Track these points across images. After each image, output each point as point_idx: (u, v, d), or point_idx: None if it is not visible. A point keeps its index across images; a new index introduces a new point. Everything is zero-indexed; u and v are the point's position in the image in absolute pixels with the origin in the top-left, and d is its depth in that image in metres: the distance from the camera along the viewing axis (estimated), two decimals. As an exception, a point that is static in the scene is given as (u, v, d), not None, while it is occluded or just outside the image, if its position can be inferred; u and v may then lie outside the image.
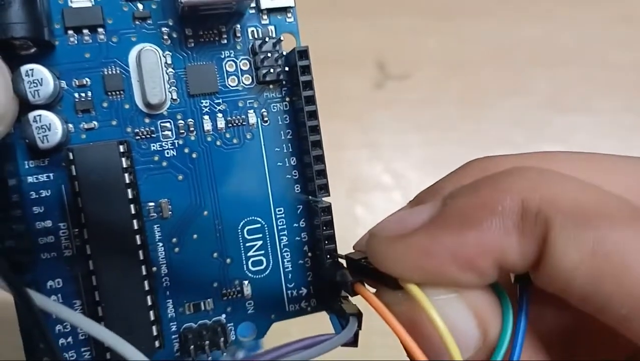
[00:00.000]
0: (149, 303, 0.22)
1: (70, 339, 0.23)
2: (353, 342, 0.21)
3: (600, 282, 0.17)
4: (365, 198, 0.42)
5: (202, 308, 0.24)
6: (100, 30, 0.23)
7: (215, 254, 0.24)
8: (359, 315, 0.21)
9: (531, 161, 0.20)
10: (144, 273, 0.22)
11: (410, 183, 0.44)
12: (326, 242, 0.24)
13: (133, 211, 0.22)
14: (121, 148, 0.22)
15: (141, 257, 0.22)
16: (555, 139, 0.49)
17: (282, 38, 0.24)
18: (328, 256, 0.23)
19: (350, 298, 0.23)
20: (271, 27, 0.24)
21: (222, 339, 0.24)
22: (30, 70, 0.21)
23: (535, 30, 0.51)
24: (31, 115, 0.21)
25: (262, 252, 0.25)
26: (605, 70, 0.51)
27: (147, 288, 0.22)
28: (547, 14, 0.51)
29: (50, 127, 0.21)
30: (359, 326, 0.21)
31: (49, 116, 0.21)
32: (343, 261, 0.23)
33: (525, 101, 0.49)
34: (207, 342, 0.23)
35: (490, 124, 0.48)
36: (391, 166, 0.43)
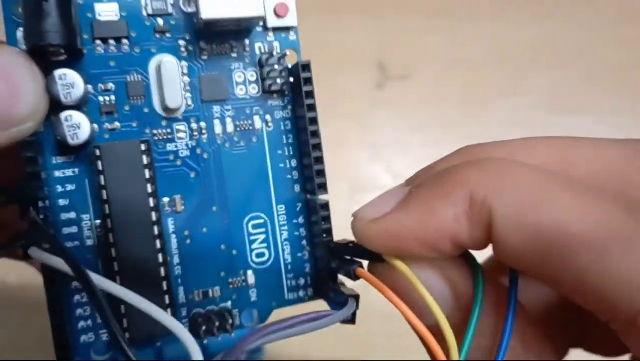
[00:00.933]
0: (164, 288, 0.25)
1: (89, 321, 0.25)
2: (351, 320, 0.24)
3: (544, 263, 0.20)
4: (365, 198, 0.43)
5: (210, 295, 0.26)
6: (124, 41, 0.25)
7: (222, 246, 0.27)
8: (356, 297, 0.24)
9: (514, 147, 0.23)
10: (160, 260, 0.24)
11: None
12: (324, 235, 0.26)
13: (152, 204, 0.24)
14: (142, 147, 0.24)
15: (158, 245, 0.24)
16: None
17: (287, 53, 0.27)
18: (327, 246, 0.26)
19: (346, 285, 0.26)
20: (276, 43, 0.27)
21: (229, 323, 0.26)
22: (63, 74, 0.23)
23: (535, 30, 0.51)
24: (63, 115, 0.24)
25: (265, 245, 0.27)
26: (605, 70, 0.51)
27: (162, 274, 0.24)
28: (547, 14, 0.51)
29: (79, 125, 0.24)
30: (357, 307, 0.24)
31: (78, 116, 0.24)
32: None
33: (525, 101, 0.49)
34: (216, 324, 0.25)
35: (490, 124, 0.48)
36: (391, 166, 0.44)
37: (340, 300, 0.24)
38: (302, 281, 0.28)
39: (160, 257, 0.24)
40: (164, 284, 0.24)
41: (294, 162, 0.27)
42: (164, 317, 0.20)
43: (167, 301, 0.24)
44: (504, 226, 0.20)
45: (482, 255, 0.23)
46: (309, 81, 0.26)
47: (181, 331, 0.20)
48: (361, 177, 0.44)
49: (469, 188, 0.21)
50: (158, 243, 0.24)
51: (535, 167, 0.22)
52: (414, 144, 0.46)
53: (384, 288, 0.22)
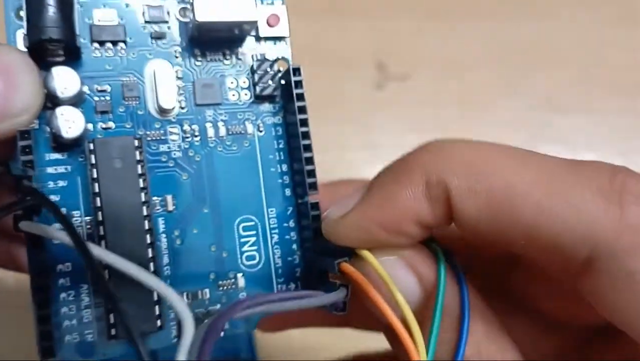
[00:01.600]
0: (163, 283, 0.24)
1: (74, 321, 0.24)
2: (342, 309, 0.23)
3: (499, 225, 0.21)
4: None
5: (200, 296, 0.26)
6: (121, 45, 0.26)
7: (212, 248, 0.26)
8: (347, 285, 0.24)
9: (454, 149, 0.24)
10: (150, 255, 0.24)
11: None
12: (315, 234, 0.26)
13: (143, 199, 0.24)
14: (136, 143, 0.25)
15: (148, 240, 0.24)
16: (555, 139, 0.49)
17: (279, 58, 0.28)
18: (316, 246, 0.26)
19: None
20: (268, 52, 0.28)
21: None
22: (61, 71, 0.24)
23: (535, 30, 0.51)
24: (58, 110, 0.24)
25: (255, 248, 0.27)
26: (605, 70, 0.51)
27: (152, 269, 0.24)
28: (547, 14, 0.52)
29: (74, 121, 0.24)
30: (347, 296, 0.23)
31: (74, 112, 0.24)
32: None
33: (525, 101, 0.49)
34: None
35: (490, 125, 0.48)
36: None
37: (332, 290, 0.24)
38: (292, 286, 0.27)
39: (150, 252, 0.24)
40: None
41: (284, 167, 0.28)
42: (157, 283, 0.20)
43: (155, 298, 0.24)
44: (460, 197, 0.22)
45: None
46: (299, 84, 0.27)
47: (173, 296, 0.19)
48: (361, 177, 0.43)
49: (423, 169, 0.22)
50: (148, 238, 0.24)
51: (479, 142, 0.24)
52: (414, 145, 0.46)
53: (366, 283, 0.22)
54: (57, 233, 0.19)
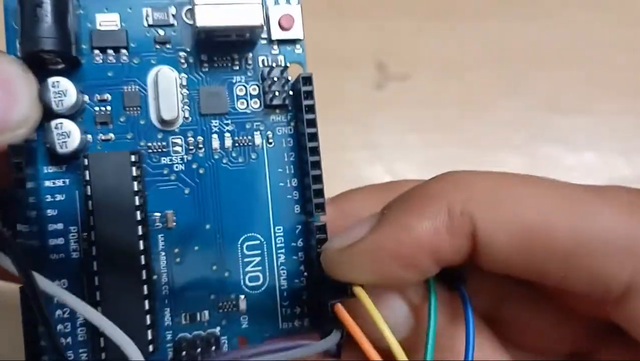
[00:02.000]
0: (147, 307, 0.23)
1: (69, 339, 0.24)
2: (336, 354, 0.21)
3: (533, 253, 0.20)
4: None
5: (198, 318, 0.25)
6: (123, 51, 0.25)
7: (214, 267, 0.25)
8: (342, 330, 0.22)
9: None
10: (144, 277, 0.23)
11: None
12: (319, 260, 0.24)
13: (139, 218, 0.23)
14: (133, 158, 0.23)
15: (142, 262, 0.23)
16: (555, 140, 0.48)
17: (288, 65, 0.25)
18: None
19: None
20: (281, 57, 0.26)
21: (213, 351, 0.24)
22: (56, 82, 0.23)
23: (535, 31, 0.50)
24: (53, 122, 0.23)
25: (260, 268, 0.26)
26: (605, 70, 0.51)
27: (145, 292, 0.23)
28: (547, 14, 0.51)
29: (70, 134, 0.23)
30: (342, 339, 0.21)
31: (69, 125, 0.23)
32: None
33: (525, 101, 0.49)
34: (198, 351, 0.24)
35: (491, 125, 0.47)
36: (391, 166, 0.43)
37: (329, 328, 0.22)
38: (297, 310, 0.26)
39: (144, 274, 0.23)
40: (146, 303, 0.23)
41: (294, 182, 0.26)
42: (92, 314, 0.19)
43: (148, 321, 0.23)
44: (489, 229, 0.20)
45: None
46: (309, 94, 0.24)
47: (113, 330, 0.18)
48: (361, 177, 0.43)
49: (445, 200, 0.21)
50: (143, 259, 0.23)
51: (498, 172, 0.23)
52: (414, 145, 0.45)
53: (358, 333, 0.20)
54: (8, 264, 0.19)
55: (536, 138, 0.47)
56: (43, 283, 0.19)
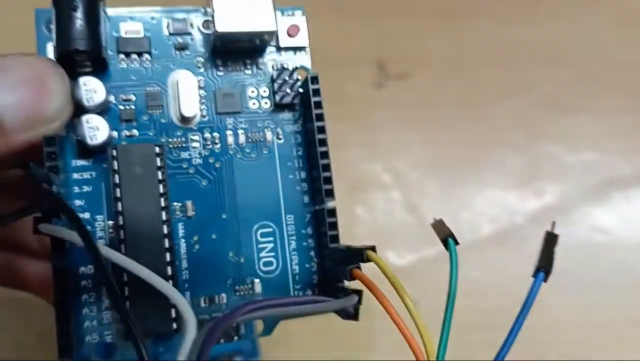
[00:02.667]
0: (166, 283, 0.25)
1: (95, 322, 0.25)
2: (353, 315, 0.23)
3: None
4: (365, 198, 0.41)
5: (216, 301, 0.26)
6: (146, 56, 0.27)
7: (230, 253, 0.27)
8: (359, 292, 0.23)
9: None
10: (168, 259, 0.25)
11: (410, 183, 0.43)
12: (331, 242, 0.26)
13: (163, 204, 0.25)
14: (157, 150, 0.25)
15: (166, 245, 0.25)
16: (555, 139, 0.48)
17: (297, 66, 0.28)
18: (330, 253, 0.26)
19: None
20: (288, 61, 0.29)
21: (234, 331, 0.26)
22: (87, 80, 0.25)
23: (535, 30, 0.51)
24: (84, 117, 0.25)
25: (273, 254, 0.27)
26: (605, 70, 0.51)
27: (170, 273, 0.25)
28: (547, 14, 0.52)
29: (99, 128, 0.25)
30: (359, 302, 0.23)
31: (98, 120, 0.25)
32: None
33: (525, 101, 0.49)
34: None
35: (490, 124, 0.48)
36: (391, 165, 0.43)
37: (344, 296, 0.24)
38: (309, 292, 0.28)
39: (167, 256, 0.25)
40: (170, 283, 0.25)
41: (303, 174, 0.28)
42: (164, 285, 0.20)
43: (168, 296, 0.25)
44: None
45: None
46: (317, 92, 0.27)
47: (183, 304, 0.20)
48: (361, 176, 0.43)
49: None
50: (167, 243, 0.25)
51: None
52: (414, 144, 0.45)
53: (377, 289, 0.22)
54: (71, 235, 0.20)
55: (536, 138, 0.48)
56: (108, 252, 0.20)
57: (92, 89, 0.25)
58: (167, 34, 0.28)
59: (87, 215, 0.26)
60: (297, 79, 0.28)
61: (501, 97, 0.49)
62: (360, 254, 0.23)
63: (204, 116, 0.27)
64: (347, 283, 0.25)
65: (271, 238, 0.27)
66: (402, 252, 0.44)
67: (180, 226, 0.27)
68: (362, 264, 0.24)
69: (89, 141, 0.25)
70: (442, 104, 0.48)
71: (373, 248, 0.22)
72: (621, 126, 0.50)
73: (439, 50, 0.49)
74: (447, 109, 0.48)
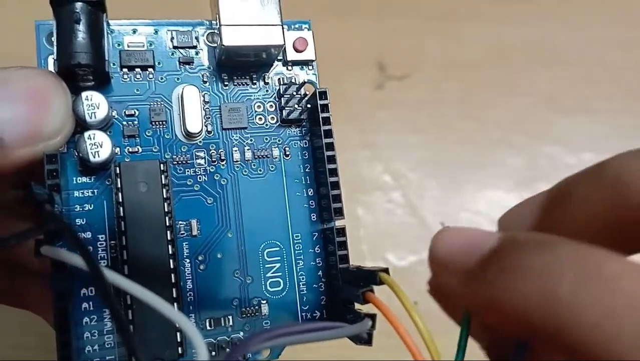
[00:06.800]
0: (175, 309, 0.24)
1: (96, 347, 0.24)
2: (367, 341, 0.22)
3: None
4: (365, 198, 0.40)
5: (222, 323, 0.26)
6: (150, 70, 0.26)
7: (236, 273, 0.26)
8: (372, 316, 0.23)
9: None
10: (173, 280, 0.24)
11: (410, 183, 0.43)
12: (340, 262, 0.26)
13: (167, 223, 0.24)
14: (162, 167, 0.25)
15: (171, 266, 0.24)
16: (555, 139, 0.49)
17: (305, 81, 0.28)
18: (341, 274, 0.25)
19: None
20: (295, 76, 0.28)
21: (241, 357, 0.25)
22: (90, 95, 0.24)
23: (535, 30, 0.51)
24: (86, 133, 0.24)
25: (280, 274, 0.27)
26: (605, 70, 0.51)
27: (174, 295, 0.24)
28: (547, 14, 0.52)
29: (102, 144, 0.24)
30: (373, 327, 0.22)
31: (101, 136, 0.24)
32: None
33: (525, 101, 0.49)
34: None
35: (490, 125, 0.48)
36: (391, 166, 0.43)
37: (356, 320, 0.23)
38: (317, 314, 0.27)
39: (172, 277, 0.24)
40: (175, 306, 0.24)
41: (310, 191, 0.27)
42: (173, 313, 0.19)
43: (177, 324, 0.24)
44: None
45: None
46: (325, 108, 0.26)
47: (189, 328, 0.19)
48: (361, 177, 0.43)
49: None
50: (172, 263, 0.24)
51: None
52: (414, 144, 0.45)
53: (390, 314, 0.21)
54: (74, 258, 0.19)
55: (536, 138, 0.48)
56: (113, 277, 0.19)
57: (94, 104, 0.24)
58: (172, 47, 0.27)
59: (88, 234, 0.25)
60: (305, 94, 0.27)
61: (501, 97, 0.49)
62: (373, 277, 0.22)
63: (209, 132, 0.27)
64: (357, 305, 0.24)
65: (278, 258, 0.27)
66: (403, 253, 0.44)
67: (184, 245, 0.26)
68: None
69: (92, 158, 0.24)
70: (442, 104, 0.48)
71: (386, 271, 0.22)
72: (621, 126, 0.51)
73: (439, 50, 0.49)
74: (447, 109, 0.48)
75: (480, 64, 0.50)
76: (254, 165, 0.27)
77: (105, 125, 0.25)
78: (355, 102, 0.47)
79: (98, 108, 0.24)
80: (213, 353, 0.25)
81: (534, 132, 0.48)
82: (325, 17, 0.40)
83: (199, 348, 0.18)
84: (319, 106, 0.26)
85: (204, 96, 0.27)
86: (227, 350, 0.20)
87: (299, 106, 0.27)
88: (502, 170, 0.46)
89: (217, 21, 0.25)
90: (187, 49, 0.27)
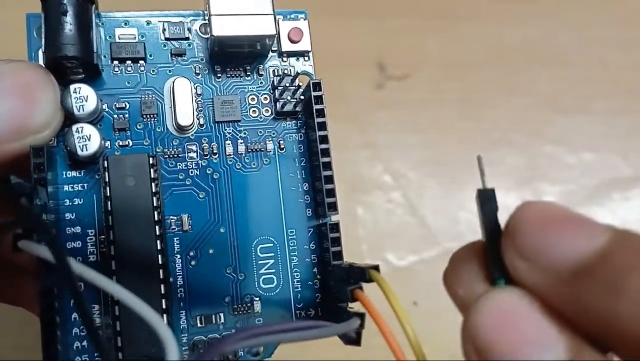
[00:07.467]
0: (164, 306, 0.23)
1: (85, 343, 0.24)
2: (355, 340, 0.21)
3: None
4: (365, 198, 0.39)
5: (213, 321, 0.25)
6: (141, 62, 0.26)
7: (229, 270, 0.25)
8: (361, 315, 0.22)
9: None
10: (161, 276, 0.23)
11: (410, 183, 0.42)
12: (334, 258, 0.25)
13: (156, 218, 0.24)
14: (151, 160, 0.24)
15: (160, 261, 0.23)
16: (555, 139, 0.48)
17: (299, 72, 0.27)
18: (333, 271, 0.25)
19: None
20: (290, 67, 0.27)
21: (232, 355, 0.24)
22: (78, 88, 0.24)
23: (535, 30, 0.51)
24: (74, 126, 0.24)
25: (274, 270, 0.26)
26: (605, 70, 0.51)
27: (162, 291, 0.23)
28: (547, 14, 0.52)
29: (90, 138, 0.24)
30: (362, 326, 0.22)
31: (89, 129, 0.24)
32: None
33: (525, 101, 0.49)
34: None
35: (490, 125, 0.48)
36: (391, 166, 0.43)
37: (347, 316, 0.22)
38: (311, 311, 0.26)
39: (161, 273, 0.23)
40: (164, 303, 0.23)
41: (305, 186, 0.27)
42: (144, 310, 0.19)
43: (165, 320, 0.23)
44: None
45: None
46: (319, 99, 0.26)
47: (160, 325, 0.18)
48: (361, 177, 0.43)
49: None
50: (160, 259, 0.23)
51: None
52: (414, 144, 0.44)
53: (377, 314, 0.20)
54: (48, 253, 0.19)
55: (536, 138, 0.48)
56: (80, 269, 0.19)
57: (83, 96, 0.24)
58: (163, 39, 0.26)
59: (77, 229, 0.24)
60: (299, 86, 0.27)
61: (501, 97, 0.48)
62: (362, 274, 0.21)
63: (201, 125, 0.26)
64: (350, 304, 0.23)
65: (272, 254, 0.26)
66: (403, 253, 0.43)
67: (175, 240, 0.25)
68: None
69: (79, 152, 0.24)
70: (442, 104, 0.47)
71: (376, 268, 0.21)
72: (621, 126, 0.50)
73: (439, 50, 0.49)
74: (447, 109, 0.47)
75: (480, 64, 0.50)
76: (248, 159, 0.26)
77: (95, 118, 0.25)
78: (356, 102, 0.46)
79: (86, 101, 0.24)
80: (202, 351, 0.24)
81: (534, 132, 0.48)
82: (325, 16, 0.40)
83: (168, 344, 0.17)
84: (312, 97, 0.25)
85: (196, 88, 0.26)
86: (201, 350, 0.20)
87: (293, 98, 0.27)
88: (502, 170, 0.46)
89: (208, 11, 0.25)
90: (179, 41, 0.26)
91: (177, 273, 0.25)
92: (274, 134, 0.27)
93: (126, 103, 0.25)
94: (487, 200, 0.19)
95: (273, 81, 0.27)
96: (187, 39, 0.27)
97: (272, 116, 0.27)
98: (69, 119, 0.24)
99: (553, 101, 0.49)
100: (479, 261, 0.19)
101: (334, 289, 0.25)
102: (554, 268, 0.16)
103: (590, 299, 0.15)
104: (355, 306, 0.23)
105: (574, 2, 0.53)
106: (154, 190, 0.24)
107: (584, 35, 0.52)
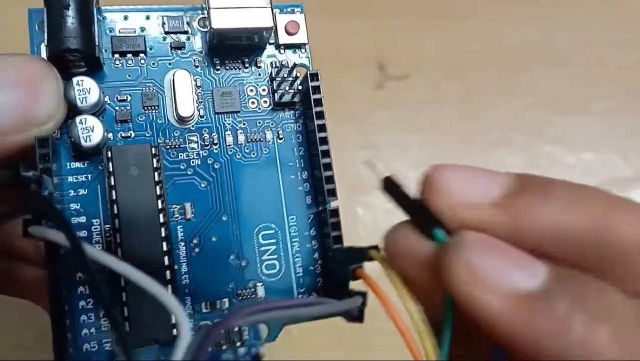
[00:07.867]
0: (169, 291, 0.24)
1: (93, 330, 0.24)
2: (358, 317, 0.22)
3: None
4: (365, 198, 0.40)
5: (218, 306, 0.26)
6: (142, 55, 0.26)
7: (231, 257, 0.26)
8: (364, 293, 0.23)
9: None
10: (166, 263, 0.24)
11: (410, 183, 0.42)
12: (334, 242, 0.26)
13: (160, 206, 0.24)
14: (153, 150, 0.25)
15: (165, 248, 0.24)
16: (555, 139, 0.49)
17: (296, 64, 0.27)
18: (334, 254, 0.25)
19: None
20: (288, 59, 0.28)
21: (237, 337, 0.25)
22: (81, 80, 0.24)
23: (535, 30, 0.52)
24: (78, 118, 0.24)
25: (275, 256, 0.27)
26: (605, 71, 0.52)
27: (168, 277, 0.24)
28: (547, 14, 0.52)
29: (93, 129, 0.24)
30: (364, 304, 0.22)
31: (93, 120, 0.25)
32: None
33: (525, 101, 0.49)
34: (224, 338, 0.24)
35: (490, 124, 0.48)
36: (391, 166, 0.43)
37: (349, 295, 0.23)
38: (313, 295, 0.27)
39: (166, 260, 0.24)
40: (169, 288, 0.24)
41: (304, 174, 0.27)
42: (159, 290, 0.19)
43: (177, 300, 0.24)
44: None
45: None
46: (317, 89, 0.26)
47: (176, 307, 0.19)
48: (361, 177, 0.43)
49: None
50: (165, 246, 0.24)
51: None
52: (414, 144, 0.45)
53: (380, 290, 0.21)
54: (59, 237, 0.19)
55: (536, 138, 0.48)
56: (91, 251, 0.20)
57: (85, 89, 0.25)
58: (163, 32, 0.27)
59: (83, 219, 0.25)
60: (297, 77, 0.27)
61: (501, 97, 0.49)
62: (363, 254, 0.22)
63: (201, 116, 0.27)
64: (351, 285, 0.24)
65: (273, 240, 0.27)
66: None
67: (179, 229, 0.26)
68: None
69: (83, 143, 0.24)
70: (442, 104, 0.48)
71: (376, 247, 0.21)
72: (621, 126, 0.51)
73: (439, 50, 0.49)
74: (447, 109, 0.48)
75: (480, 64, 0.50)
76: (248, 149, 0.27)
77: (97, 110, 0.25)
78: (355, 102, 0.47)
79: (89, 93, 0.25)
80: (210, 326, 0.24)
81: (534, 132, 0.48)
82: (325, 16, 0.40)
83: (181, 323, 0.18)
84: (310, 87, 0.26)
85: (196, 81, 0.27)
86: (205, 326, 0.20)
87: (290, 89, 0.27)
88: (502, 170, 0.47)
89: (207, 5, 0.25)
90: (179, 34, 0.27)
91: (182, 261, 0.26)
92: (272, 124, 0.27)
93: (128, 95, 0.26)
94: (392, 185, 0.22)
95: (271, 72, 0.28)
96: (186, 32, 0.27)
97: (271, 107, 0.28)
98: (72, 111, 0.25)
99: (553, 101, 0.50)
100: (412, 230, 0.20)
101: (336, 271, 0.25)
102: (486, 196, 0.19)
103: (531, 212, 0.18)
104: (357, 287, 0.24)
105: (574, 2, 0.53)
106: (157, 179, 0.24)
107: (584, 35, 0.52)
